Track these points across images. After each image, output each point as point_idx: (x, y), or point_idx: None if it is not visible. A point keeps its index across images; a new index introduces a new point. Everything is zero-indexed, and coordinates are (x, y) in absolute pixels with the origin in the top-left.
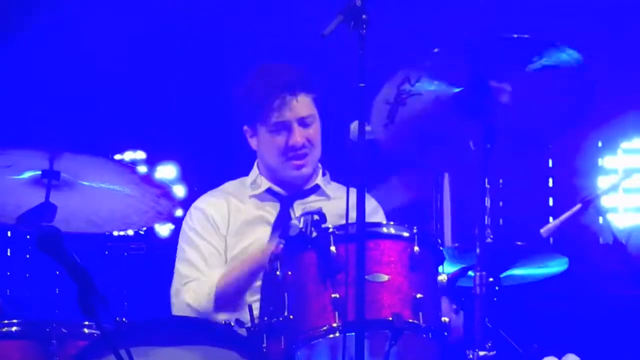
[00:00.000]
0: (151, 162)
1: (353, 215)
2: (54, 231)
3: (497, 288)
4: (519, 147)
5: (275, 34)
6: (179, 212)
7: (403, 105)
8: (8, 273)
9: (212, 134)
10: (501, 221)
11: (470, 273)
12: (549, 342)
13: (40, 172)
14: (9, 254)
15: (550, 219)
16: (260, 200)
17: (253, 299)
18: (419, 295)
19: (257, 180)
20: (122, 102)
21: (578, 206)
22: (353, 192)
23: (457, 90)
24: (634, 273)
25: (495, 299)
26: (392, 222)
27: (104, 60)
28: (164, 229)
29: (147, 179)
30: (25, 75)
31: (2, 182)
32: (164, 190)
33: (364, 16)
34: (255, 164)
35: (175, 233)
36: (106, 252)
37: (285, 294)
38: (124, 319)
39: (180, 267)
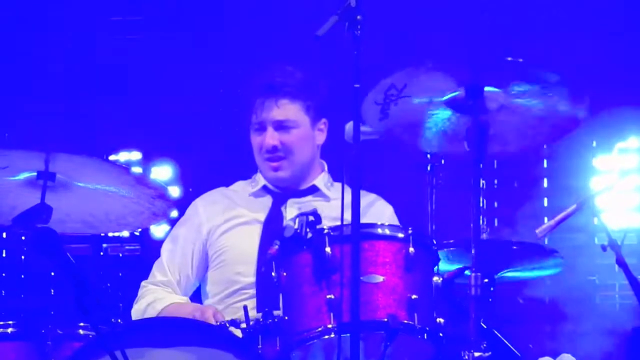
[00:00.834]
0: (146, 162)
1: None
2: (49, 232)
3: (492, 289)
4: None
5: (273, 34)
6: (174, 213)
7: (395, 105)
8: (3, 274)
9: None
10: (496, 222)
11: (467, 273)
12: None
13: (35, 174)
14: (4, 255)
15: (545, 219)
16: (255, 197)
17: (243, 298)
18: (414, 296)
19: (255, 177)
20: (117, 102)
21: (573, 207)
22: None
23: (449, 96)
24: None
25: (490, 299)
26: (386, 223)
27: (99, 61)
28: (159, 230)
29: (143, 180)
30: (20, 76)
31: None
32: (159, 191)
33: (358, 17)
34: None
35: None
36: (101, 253)
37: (280, 295)
38: (119, 320)
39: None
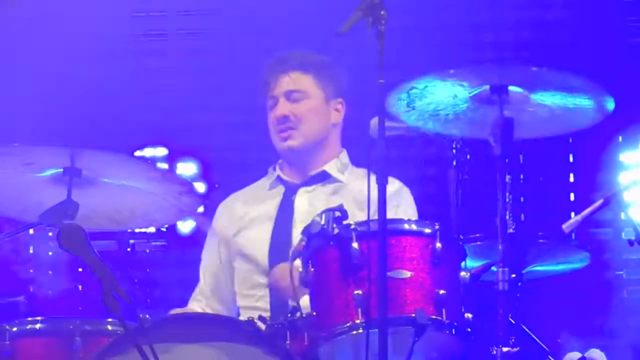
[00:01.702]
0: (172, 158)
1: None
2: (76, 228)
3: (519, 284)
4: (539, 141)
5: (296, 29)
6: (200, 209)
7: (420, 100)
8: (31, 270)
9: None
10: (523, 217)
11: (493, 269)
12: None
13: (61, 170)
14: (31, 251)
15: (572, 214)
16: (269, 188)
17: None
18: (441, 292)
19: (270, 169)
20: (142, 98)
21: (600, 201)
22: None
23: (474, 92)
24: None
25: (517, 294)
26: (413, 219)
27: (124, 57)
28: (185, 226)
29: (169, 176)
30: (45, 72)
31: (24, 180)
32: (185, 187)
33: (382, 12)
34: None
35: (197, 230)
36: (128, 249)
37: (309, 291)
38: (146, 316)
39: None
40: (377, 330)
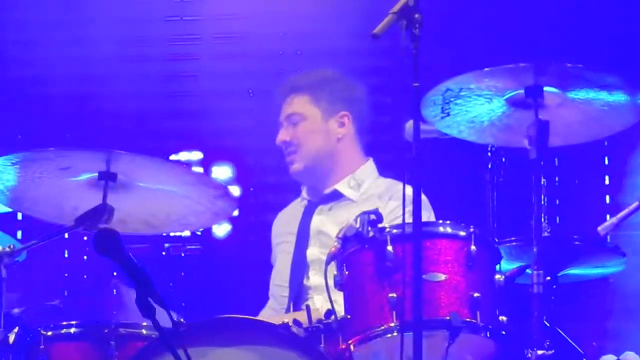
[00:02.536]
0: (207, 162)
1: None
2: (111, 233)
3: (554, 287)
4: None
5: (329, 33)
6: (235, 213)
7: (455, 104)
8: (66, 275)
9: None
10: (558, 219)
11: (528, 271)
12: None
13: (97, 174)
14: (66, 255)
15: (607, 216)
16: (300, 206)
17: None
18: (476, 294)
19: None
20: (178, 102)
21: (635, 204)
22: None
23: (509, 95)
24: None
25: (552, 297)
26: (448, 221)
27: (159, 60)
28: (220, 230)
29: (204, 180)
30: (80, 76)
31: (59, 184)
32: (220, 190)
33: (416, 15)
34: None
35: (232, 234)
36: (163, 253)
37: (343, 294)
38: (182, 320)
39: None
40: (411, 333)
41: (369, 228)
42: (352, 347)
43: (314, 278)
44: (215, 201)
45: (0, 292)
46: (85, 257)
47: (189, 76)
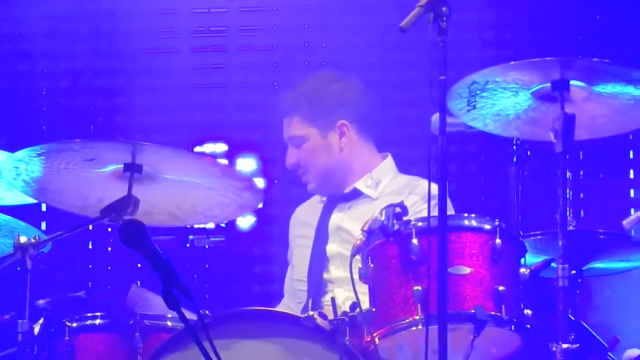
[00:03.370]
0: (232, 154)
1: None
2: (137, 224)
3: (579, 280)
4: (599, 138)
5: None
6: (260, 205)
7: (481, 97)
8: (90, 266)
9: None
10: (583, 213)
11: (553, 265)
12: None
13: (122, 166)
14: (90, 247)
15: (632, 210)
16: (320, 202)
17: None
18: (501, 288)
19: None
20: (202, 94)
21: None
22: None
23: (535, 88)
24: None
25: (577, 291)
26: (473, 215)
27: (184, 53)
28: (245, 222)
29: (229, 172)
30: (105, 69)
31: (85, 175)
32: (245, 183)
33: (444, 8)
34: None
35: (257, 226)
36: (187, 245)
37: (368, 287)
38: (206, 312)
39: None
40: (436, 326)
41: (394, 221)
42: (377, 339)
43: (335, 272)
44: (240, 193)
45: (25, 283)
46: (109, 249)
47: (214, 68)
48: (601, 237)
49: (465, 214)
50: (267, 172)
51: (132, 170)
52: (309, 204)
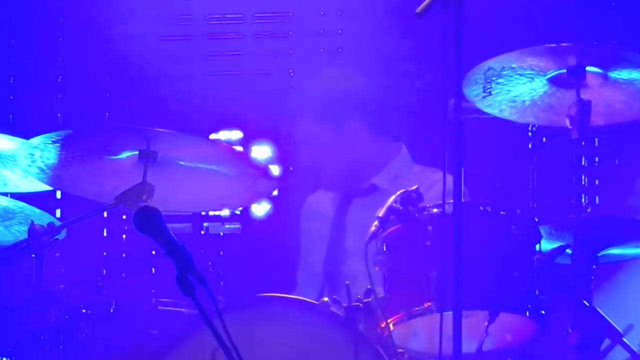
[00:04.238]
0: (247, 141)
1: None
2: (152, 211)
3: (594, 266)
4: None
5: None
6: (275, 192)
7: (497, 83)
8: (104, 253)
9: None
10: (598, 199)
11: (568, 251)
12: None
13: (137, 153)
14: (105, 234)
15: None
16: (332, 195)
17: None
18: (516, 274)
19: None
20: (217, 81)
21: None
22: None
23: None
24: None
25: (592, 277)
26: (488, 200)
27: (200, 40)
28: (260, 209)
29: (245, 159)
30: (120, 56)
31: (100, 162)
32: (260, 170)
33: None
34: None
35: (271, 213)
36: (202, 232)
37: (383, 273)
38: (220, 298)
39: None
40: (451, 312)
41: (410, 207)
42: (391, 326)
43: (355, 266)
44: (255, 180)
45: (41, 269)
46: (124, 236)
47: (229, 55)
48: (616, 223)
49: (481, 200)
50: (283, 160)
51: (147, 157)
52: (323, 195)
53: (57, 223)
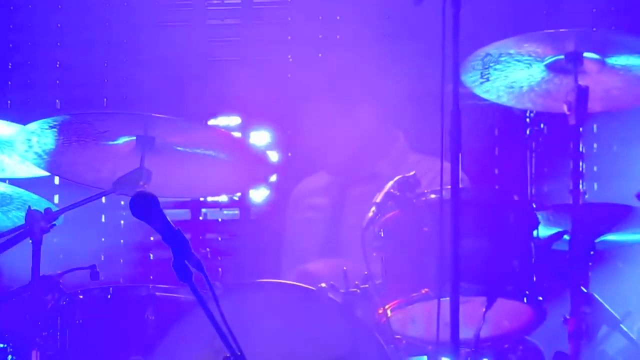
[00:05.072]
0: (245, 127)
1: None
2: (149, 197)
3: (592, 253)
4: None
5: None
6: (273, 178)
7: (494, 69)
8: (103, 239)
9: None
10: (596, 186)
11: (566, 237)
12: None
13: (135, 138)
14: (103, 220)
15: None
16: (328, 178)
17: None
18: (513, 260)
19: None
20: (216, 67)
21: None
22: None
23: (549, 60)
24: None
25: (590, 263)
26: (486, 187)
27: (198, 26)
28: (258, 195)
29: (242, 145)
30: (120, 42)
31: (97, 148)
32: (258, 156)
33: None
34: None
35: (270, 199)
36: (200, 218)
37: (380, 259)
38: (218, 284)
39: None
40: (448, 298)
41: (407, 193)
42: (389, 312)
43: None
44: (253, 166)
45: (38, 255)
46: (121, 222)
47: (227, 41)
48: (614, 209)
49: (478, 186)
50: (281, 145)
51: (145, 142)
52: (317, 179)
53: (55, 209)
